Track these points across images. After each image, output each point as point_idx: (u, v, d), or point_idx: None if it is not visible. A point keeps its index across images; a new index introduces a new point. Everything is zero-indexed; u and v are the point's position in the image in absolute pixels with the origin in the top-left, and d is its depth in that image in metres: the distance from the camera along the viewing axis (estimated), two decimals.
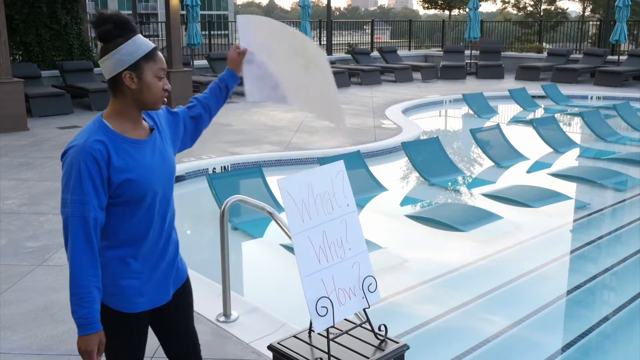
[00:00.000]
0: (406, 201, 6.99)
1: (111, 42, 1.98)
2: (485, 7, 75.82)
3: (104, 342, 2.00)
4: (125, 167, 1.99)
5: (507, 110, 13.38)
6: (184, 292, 2.34)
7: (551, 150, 9.16)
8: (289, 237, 2.46)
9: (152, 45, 2.03)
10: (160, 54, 2.06)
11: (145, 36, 2.22)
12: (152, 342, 3.42)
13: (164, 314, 2.27)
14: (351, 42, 23.63)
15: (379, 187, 7.02)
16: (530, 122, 10.71)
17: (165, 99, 2.10)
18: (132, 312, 2.12)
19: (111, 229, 2.04)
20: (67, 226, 1.94)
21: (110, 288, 2.06)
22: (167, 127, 2.25)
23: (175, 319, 2.32)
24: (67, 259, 1.96)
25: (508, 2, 43.47)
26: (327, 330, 2.28)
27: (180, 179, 6.97)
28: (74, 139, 2.00)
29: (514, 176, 7.87)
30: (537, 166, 8.40)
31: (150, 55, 2.01)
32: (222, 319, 3.72)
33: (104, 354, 2.06)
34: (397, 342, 2.37)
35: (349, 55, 19.25)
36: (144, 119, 2.14)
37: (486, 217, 6.09)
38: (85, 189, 1.92)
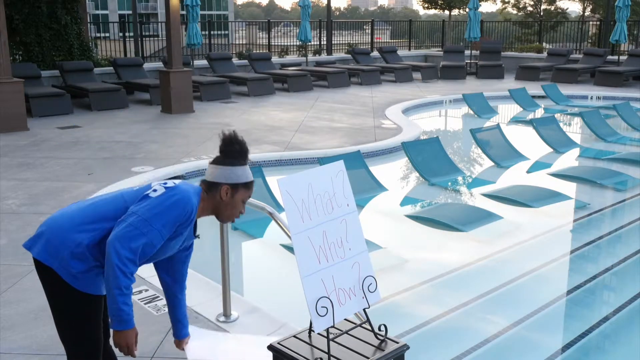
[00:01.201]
0: (406, 201, 6.99)
1: (229, 159, 2.44)
2: (485, 7, 75.85)
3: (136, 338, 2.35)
4: (178, 237, 2.40)
5: (507, 110, 13.38)
6: None
7: (551, 150, 9.16)
8: (289, 237, 2.46)
9: (252, 178, 2.48)
10: (252, 186, 2.49)
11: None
12: (153, 341, 3.42)
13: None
14: (351, 42, 23.62)
15: (379, 187, 7.02)
16: (530, 122, 10.71)
17: (235, 219, 2.54)
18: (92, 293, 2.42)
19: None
20: (136, 239, 2.24)
21: (80, 277, 2.38)
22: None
23: None
24: (114, 262, 2.22)
25: (508, 2, 43.44)
26: (327, 330, 2.28)
27: (180, 179, 6.96)
28: (189, 187, 2.42)
29: (514, 176, 7.87)
30: (537, 166, 8.40)
31: (248, 185, 2.46)
32: (222, 319, 3.72)
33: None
34: (397, 342, 2.37)
35: (349, 55, 19.25)
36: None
37: (486, 217, 6.09)
38: (171, 229, 2.32)
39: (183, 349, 2.79)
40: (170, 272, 2.63)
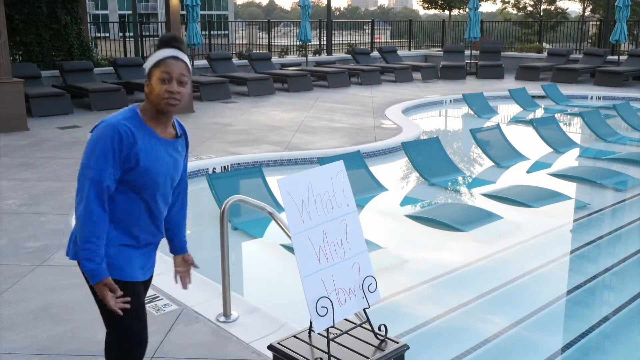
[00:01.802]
0: (406, 201, 6.99)
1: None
2: (485, 7, 75.86)
3: (113, 286, 2.25)
4: (142, 152, 2.27)
5: (507, 110, 13.38)
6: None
7: (551, 150, 9.16)
8: (289, 237, 2.46)
9: (167, 54, 2.32)
10: (170, 60, 2.31)
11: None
12: (153, 341, 3.42)
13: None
14: (351, 42, 23.63)
15: (379, 187, 7.02)
16: (530, 122, 10.71)
17: (171, 101, 2.31)
18: (119, 279, 2.34)
19: (111, 206, 2.30)
20: (83, 189, 2.22)
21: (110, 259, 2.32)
22: (187, 151, 2.59)
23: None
24: (77, 218, 2.23)
25: (508, 2, 43.45)
26: (327, 330, 2.28)
27: None
28: (107, 117, 2.31)
29: (514, 176, 7.87)
30: (537, 166, 8.40)
31: (157, 63, 2.32)
32: (222, 319, 3.72)
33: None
34: (397, 342, 2.38)
35: (349, 55, 19.25)
36: (175, 127, 2.46)
37: (486, 217, 6.09)
38: (106, 159, 2.22)
39: (192, 265, 2.70)
40: (169, 207, 2.58)
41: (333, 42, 21.35)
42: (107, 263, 2.29)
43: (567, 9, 46.20)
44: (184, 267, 2.70)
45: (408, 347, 2.37)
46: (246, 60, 16.67)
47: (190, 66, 2.41)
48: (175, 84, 2.30)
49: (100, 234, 2.23)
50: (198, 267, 2.75)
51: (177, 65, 2.32)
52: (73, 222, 5.41)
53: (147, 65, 2.36)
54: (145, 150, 2.28)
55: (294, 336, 2.43)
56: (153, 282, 4.15)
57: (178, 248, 2.68)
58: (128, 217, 2.34)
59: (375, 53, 19.84)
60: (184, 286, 2.73)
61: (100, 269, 2.22)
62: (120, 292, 2.27)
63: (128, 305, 2.28)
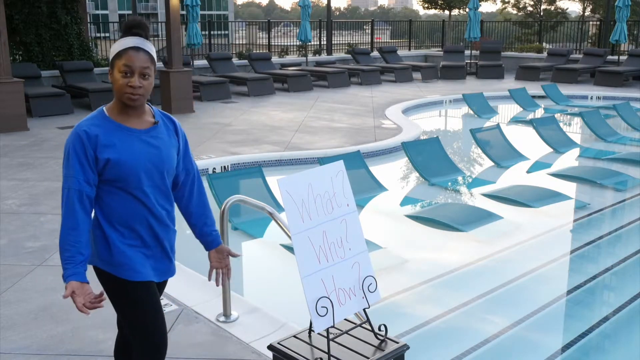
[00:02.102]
0: (406, 201, 6.99)
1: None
2: (485, 7, 75.87)
3: (78, 290, 2.20)
4: (110, 147, 2.23)
5: (507, 110, 13.38)
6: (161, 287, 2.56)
7: (551, 150, 9.16)
8: (289, 237, 2.46)
9: (129, 44, 2.23)
10: (131, 52, 2.22)
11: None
12: None
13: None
14: (351, 42, 23.63)
15: (379, 187, 7.02)
16: (530, 122, 10.71)
17: (132, 96, 2.23)
18: (131, 279, 2.33)
19: (106, 208, 2.30)
20: (63, 197, 2.24)
21: (111, 258, 2.31)
22: (182, 141, 2.47)
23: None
24: (61, 225, 2.25)
25: (508, 2, 43.44)
26: (327, 330, 2.28)
27: None
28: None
29: (514, 176, 7.87)
30: (537, 166, 8.40)
31: (119, 54, 2.24)
32: (222, 319, 3.72)
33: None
34: (397, 342, 2.37)
35: (349, 55, 19.25)
36: (155, 116, 2.37)
37: (486, 217, 6.09)
38: (71, 165, 2.22)
39: (230, 254, 2.58)
40: (185, 202, 2.52)
41: (333, 42, 21.35)
42: (118, 263, 2.28)
43: (567, 9, 46.22)
44: (219, 261, 2.56)
45: (408, 347, 2.37)
46: (246, 60, 16.67)
47: (154, 55, 2.30)
48: (136, 78, 2.21)
49: (79, 240, 2.20)
50: (238, 254, 2.65)
51: (138, 58, 2.22)
52: None
53: (110, 54, 2.28)
54: (113, 144, 2.22)
55: (294, 336, 2.43)
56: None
57: (209, 242, 2.55)
58: (126, 217, 2.29)
59: (375, 53, 19.84)
60: (219, 283, 2.60)
61: (71, 273, 2.19)
62: (92, 294, 2.23)
63: (102, 306, 2.25)
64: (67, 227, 2.20)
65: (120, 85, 2.22)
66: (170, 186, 2.41)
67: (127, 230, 2.31)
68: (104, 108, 2.31)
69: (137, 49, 2.23)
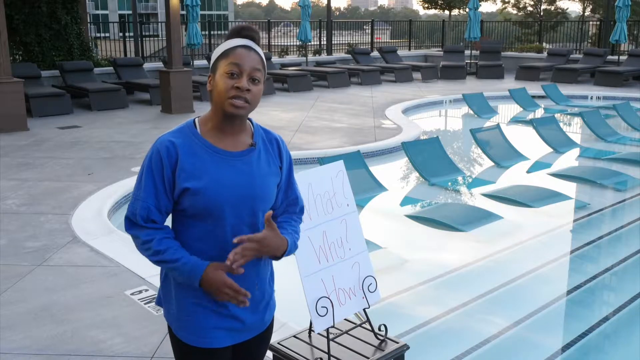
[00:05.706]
0: (406, 201, 6.99)
1: None
2: (485, 7, 75.82)
3: (223, 270, 1.79)
4: (192, 173, 1.80)
5: (507, 110, 13.38)
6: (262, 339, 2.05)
7: (551, 150, 9.16)
8: None
9: (237, 43, 1.84)
10: (241, 50, 1.83)
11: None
12: (153, 341, 3.42)
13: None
14: (351, 42, 23.63)
15: (379, 187, 7.01)
16: (530, 122, 10.70)
17: (238, 100, 1.80)
18: (206, 347, 1.87)
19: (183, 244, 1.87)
20: (124, 220, 1.87)
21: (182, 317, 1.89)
22: (285, 166, 1.99)
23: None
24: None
25: (508, 2, 43.45)
26: (327, 330, 2.28)
27: None
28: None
29: (514, 176, 7.86)
30: (537, 166, 8.40)
31: (226, 53, 1.83)
32: None
33: None
34: (397, 342, 2.38)
35: (349, 55, 19.25)
36: (255, 134, 1.93)
37: (486, 217, 6.09)
38: (144, 185, 1.82)
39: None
40: None
41: (333, 42, 21.35)
42: (183, 320, 1.88)
43: (567, 9, 46.24)
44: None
45: (408, 347, 2.37)
46: None
47: (265, 62, 1.89)
48: (245, 79, 1.80)
49: (166, 251, 1.80)
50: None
51: (249, 57, 1.82)
52: (73, 222, 5.42)
53: (213, 56, 1.88)
54: (195, 167, 1.80)
55: (294, 336, 2.43)
56: (153, 282, 4.18)
57: None
58: (199, 256, 1.83)
59: (375, 53, 19.84)
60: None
61: (189, 262, 1.80)
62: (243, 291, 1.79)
63: (247, 303, 1.82)
64: (153, 246, 1.81)
65: (224, 87, 1.80)
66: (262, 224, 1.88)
67: None
68: (196, 119, 1.90)
69: (248, 47, 1.84)
